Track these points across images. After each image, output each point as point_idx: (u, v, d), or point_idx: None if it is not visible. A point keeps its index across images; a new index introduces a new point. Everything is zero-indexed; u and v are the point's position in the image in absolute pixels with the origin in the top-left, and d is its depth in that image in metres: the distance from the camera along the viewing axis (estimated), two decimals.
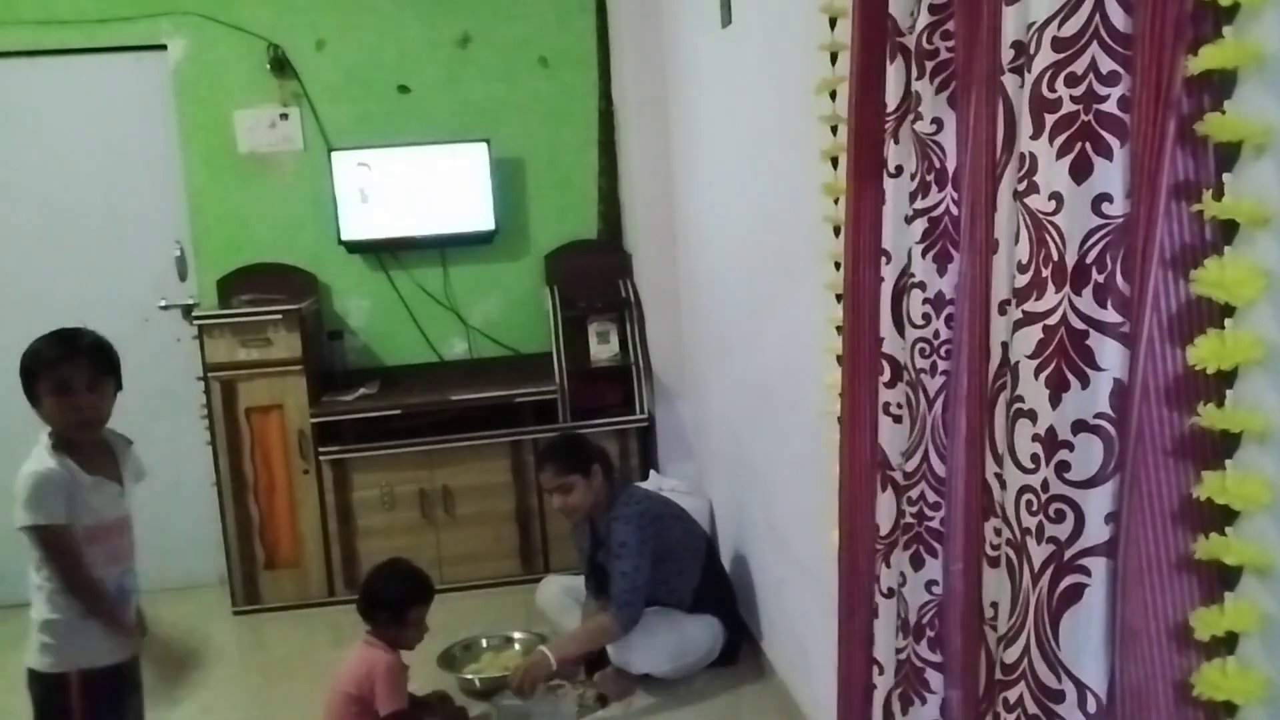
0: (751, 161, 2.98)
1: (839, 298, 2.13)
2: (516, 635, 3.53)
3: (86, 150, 4.22)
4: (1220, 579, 1.12)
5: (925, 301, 1.61)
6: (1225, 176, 1.07)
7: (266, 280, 4.22)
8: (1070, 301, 1.17)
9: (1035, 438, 1.21)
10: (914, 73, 1.57)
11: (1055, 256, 1.17)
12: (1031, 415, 1.21)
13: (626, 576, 3.15)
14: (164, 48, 4.20)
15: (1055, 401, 1.19)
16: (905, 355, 1.65)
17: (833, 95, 2.07)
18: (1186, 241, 1.12)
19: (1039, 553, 1.22)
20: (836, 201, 2.11)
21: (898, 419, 1.69)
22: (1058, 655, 1.22)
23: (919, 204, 1.60)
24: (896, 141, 1.64)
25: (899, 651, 1.73)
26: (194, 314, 4.06)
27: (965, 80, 1.48)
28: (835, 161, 2.10)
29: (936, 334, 1.60)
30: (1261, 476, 1.07)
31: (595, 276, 4.32)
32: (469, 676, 3.28)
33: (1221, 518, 1.11)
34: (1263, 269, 1.05)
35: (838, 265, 2.13)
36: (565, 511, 3.30)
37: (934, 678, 1.70)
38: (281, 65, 4.22)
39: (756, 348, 3.08)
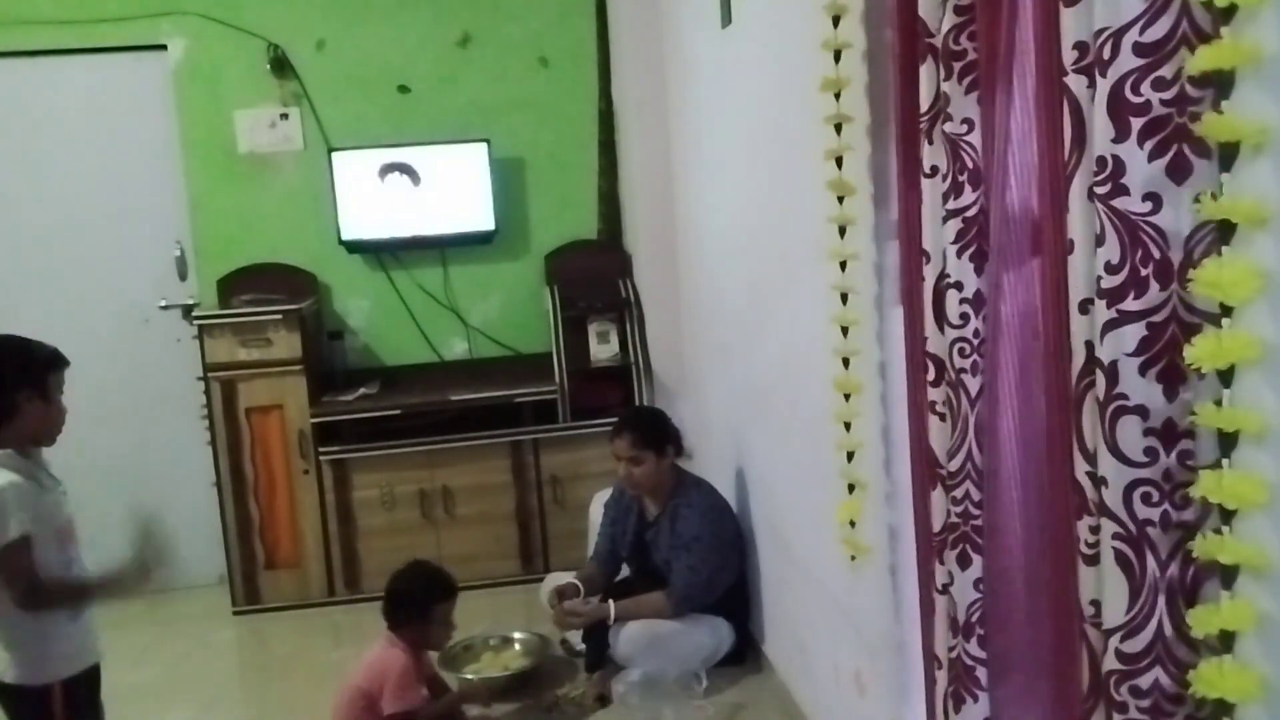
0: (751, 161, 2.98)
1: (844, 298, 2.14)
2: (516, 635, 3.53)
3: (86, 150, 4.23)
4: (1217, 577, 1.13)
5: (963, 301, 1.62)
6: (1223, 176, 1.07)
7: (266, 280, 4.22)
8: (1179, 297, 1.19)
9: (1149, 432, 1.23)
10: (942, 74, 1.60)
11: (1156, 255, 1.19)
12: (1140, 411, 1.23)
13: (694, 570, 3.20)
14: (164, 48, 4.20)
15: (1171, 395, 1.21)
16: (946, 354, 1.67)
17: (837, 95, 2.07)
18: None
19: (1166, 541, 1.24)
20: (841, 201, 2.11)
21: (942, 417, 1.71)
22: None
23: (952, 204, 1.62)
24: (931, 142, 1.66)
25: (950, 650, 1.75)
26: (194, 314, 4.06)
27: (989, 81, 1.49)
28: (840, 161, 2.10)
29: (976, 333, 1.62)
30: (1258, 476, 1.07)
31: (595, 276, 4.32)
32: (469, 676, 3.28)
33: (1218, 516, 1.11)
34: (1260, 269, 1.05)
35: (843, 265, 2.13)
36: (628, 483, 3.34)
37: (984, 675, 1.72)
38: (281, 65, 4.23)
39: (757, 348, 3.08)
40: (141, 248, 4.29)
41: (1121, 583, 1.28)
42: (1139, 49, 1.17)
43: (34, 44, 4.12)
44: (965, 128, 1.58)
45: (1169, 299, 1.20)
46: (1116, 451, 1.25)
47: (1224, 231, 1.08)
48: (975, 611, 1.71)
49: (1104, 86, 1.20)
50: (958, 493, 1.69)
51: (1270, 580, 1.08)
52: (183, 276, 4.32)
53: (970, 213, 1.60)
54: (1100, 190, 1.22)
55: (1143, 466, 1.24)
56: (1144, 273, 1.20)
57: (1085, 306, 1.30)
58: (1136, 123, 1.18)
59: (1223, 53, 1.04)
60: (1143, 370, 1.22)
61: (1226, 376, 1.10)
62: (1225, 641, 1.12)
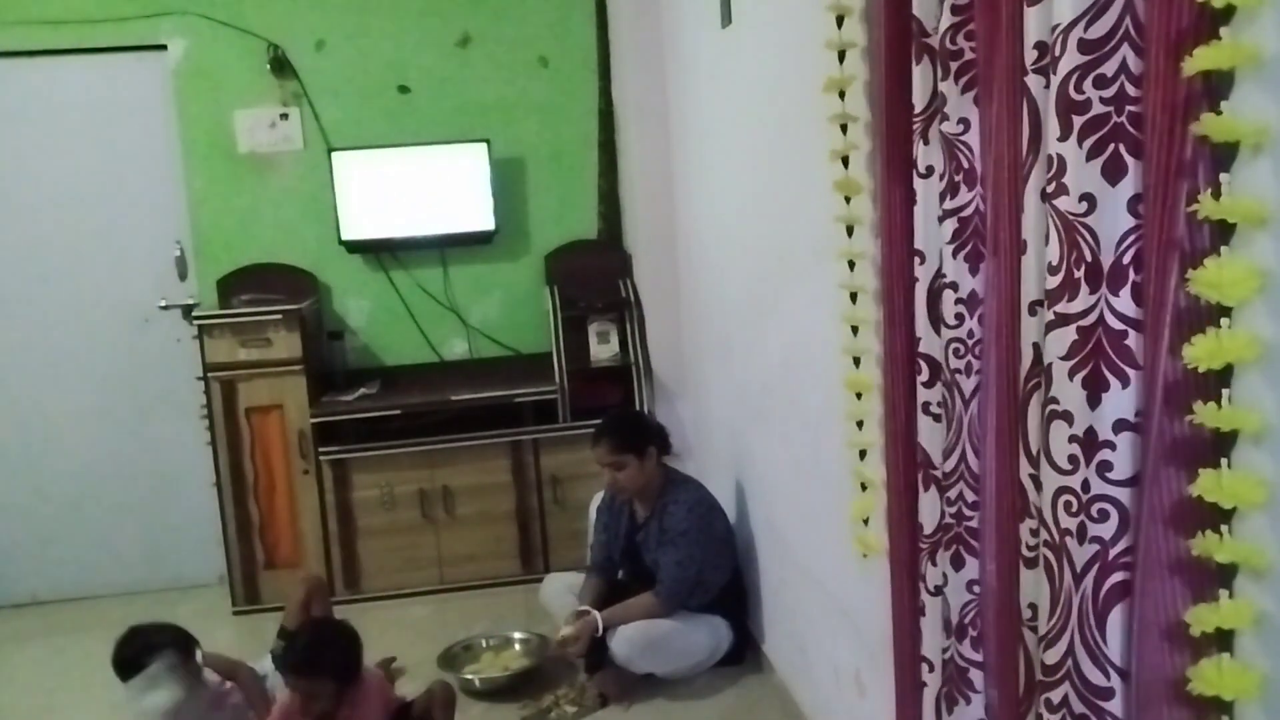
0: (751, 161, 2.98)
1: (854, 297, 2.14)
2: (516, 635, 3.53)
3: (86, 150, 4.22)
4: (1216, 576, 1.13)
5: (958, 301, 1.62)
6: (1222, 176, 1.07)
7: (266, 280, 4.22)
8: (1107, 302, 1.18)
9: (1073, 439, 1.21)
10: (939, 73, 1.59)
11: (1089, 258, 1.18)
12: (1067, 417, 1.22)
13: (680, 565, 3.19)
14: (164, 48, 4.20)
15: (1094, 402, 1.20)
16: (941, 355, 1.67)
17: (841, 94, 2.07)
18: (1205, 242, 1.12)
19: (1081, 553, 1.23)
20: (848, 200, 2.11)
21: (937, 418, 1.70)
22: (1105, 653, 1.24)
23: (948, 204, 1.61)
24: (926, 142, 1.65)
25: (944, 651, 1.75)
26: (194, 314, 4.06)
27: (987, 80, 1.49)
28: (845, 161, 2.10)
29: (970, 333, 1.62)
30: (1257, 475, 1.07)
31: (595, 276, 4.32)
32: (469, 676, 3.28)
33: (1217, 516, 1.11)
34: (1259, 269, 1.05)
35: (851, 264, 2.13)
36: (614, 489, 3.33)
37: (977, 677, 1.72)
38: (281, 65, 4.22)
39: (757, 348, 3.08)
40: (141, 248, 4.29)
41: (1046, 590, 1.27)
42: (1084, 45, 1.16)
43: (34, 44, 4.12)
44: (961, 127, 1.57)
45: (1098, 303, 1.18)
46: (1049, 456, 1.25)
47: (1223, 231, 1.08)
48: (969, 612, 1.71)
49: (1054, 84, 1.19)
50: (952, 493, 1.68)
51: (1269, 579, 1.08)
52: (183, 276, 4.31)
53: (965, 213, 1.59)
54: (1048, 189, 1.21)
55: (1066, 474, 1.23)
56: (1077, 275, 1.19)
57: (1034, 308, 1.30)
58: (1078, 121, 1.17)
59: (1222, 53, 1.04)
60: (1071, 375, 1.21)
61: (1224, 376, 1.09)
62: (1223, 640, 1.12)
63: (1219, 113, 1.06)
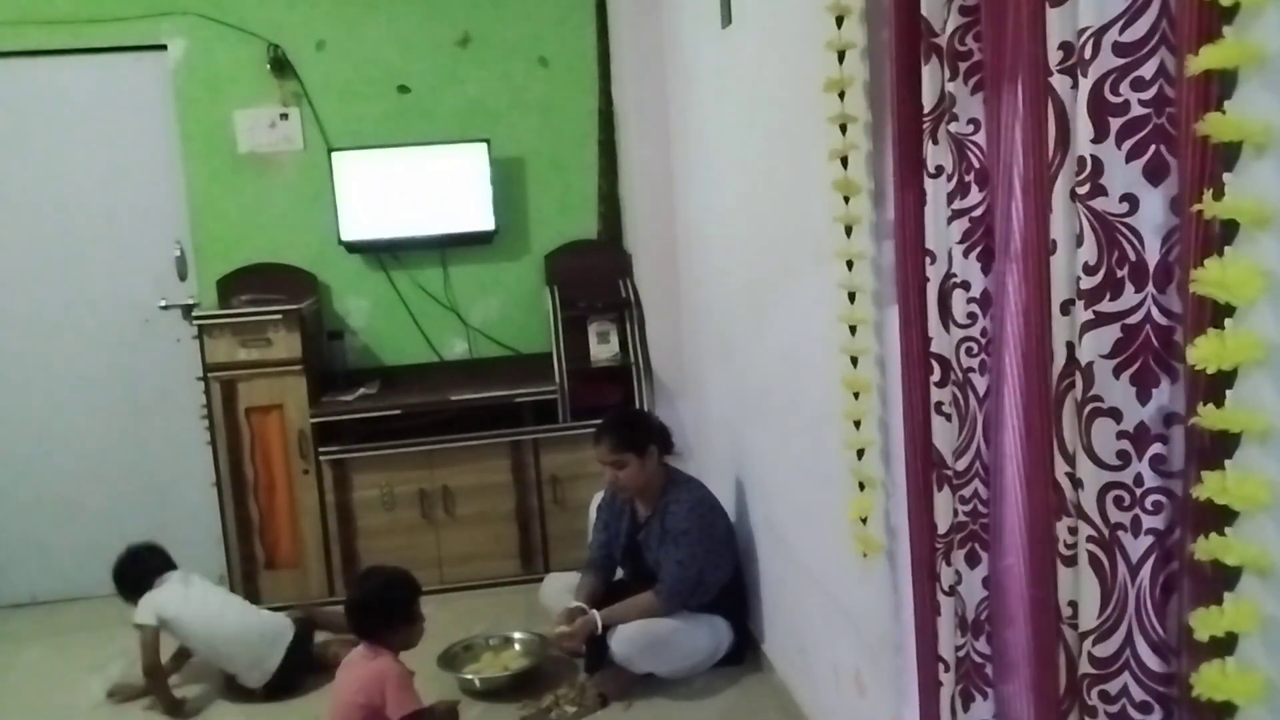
0: (751, 161, 2.98)
1: (851, 296, 2.14)
2: (516, 635, 3.53)
3: (86, 150, 4.22)
4: (1220, 579, 1.12)
5: (970, 301, 1.62)
6: (1226, 176, 1.07)
7: (266, 280, 4.22)
8: (1154, 299, 1.19)
9: (1121, 435, 1.23)
10: (947, 73, 1.59)
11: (1132, 257, 1.19)
12: (1114, 414, 1.23)
13: (682, 565, 3.18)
14: (164, 48, 4.20)
15: (1144, 398, 1.21)
16: (952, 354, 1.66)
17: (841, 95, 2.07)
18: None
19: (1136, 546, 1.24)
20: (847, 200, 2.11)
21: (948, 417, 1.70)
22: (1167, 641, 1.25)
23: (958, 204, 1.62)
24: (935, 142, 1.65)
25: (959, 649, 1.75)
26: (194, 314, 4.06)
27: (995, 81, 1.49)
28: (844, 161, 2.09)
29: (984, 332, 1.62)
30: (1261, 477, 1.07)
31: (595, 276, 4.32)
32: (469, 676, 3.28)
33: (1221, 518, 1.11)
34: (1263, 269, 1.05)
35: (850, 264, 2.13)
36: (615, 487, 3.34)
37: (993, 672, 1.72)
38: (281, 65, 4.22)
39: (757, 348, 3.08)
40: (141, 248, 4.29)
41: (1094, 585, 1.28)
42: (1119, 49, 1.17)
43: (34, 44, 4.12)
44: (971, 128, 1.58)
45: (1144, 301, 1.20)
46: (1091, 453, 1.25)
47: (1227, 231, 1.08)
48: (984, 609, 1.71)
49: (1085, 86, 1.19)
50: (965, 492, 1.68)
51: (1274, 582, 1.08)
52: (183, 276, 4.31)
53: (976, 213, 1.60)
54: (1080, 190, 1.22)
55: (1115, 470, 1.24)
56: (1120, 274, 1.21)
57: (1066, 307, 1.30)
58: (1115, 123, 1.18)
59: (1226, 52, 1.04)
60: (1117, 372, 1.22)
61: (1229, 378, 1.09)
62: (1228, 643, 1.12)
63: (1223, 112, 1.06)
